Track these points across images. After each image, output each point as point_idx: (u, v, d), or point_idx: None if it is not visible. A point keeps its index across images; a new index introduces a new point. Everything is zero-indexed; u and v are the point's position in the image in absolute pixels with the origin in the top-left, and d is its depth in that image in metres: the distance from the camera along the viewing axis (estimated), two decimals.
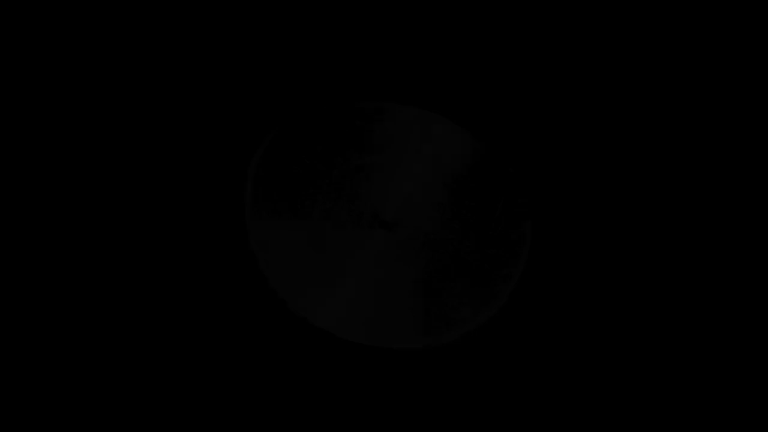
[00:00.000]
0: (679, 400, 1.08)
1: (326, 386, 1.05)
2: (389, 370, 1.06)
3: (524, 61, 1.19)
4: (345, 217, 1.00)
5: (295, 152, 1.09)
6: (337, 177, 1.01)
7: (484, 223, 1.05)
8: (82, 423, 1.00)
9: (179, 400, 1.02)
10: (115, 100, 1.09)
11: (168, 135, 1.10)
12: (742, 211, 1.13)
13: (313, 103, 1.10)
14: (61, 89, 1.08)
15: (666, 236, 1.14)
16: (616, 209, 1.14)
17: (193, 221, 1.06)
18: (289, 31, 1.21)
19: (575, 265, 1.07)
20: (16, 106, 1.08)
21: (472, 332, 1.00)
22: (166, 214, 1.07)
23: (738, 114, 1.14)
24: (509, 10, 1.20)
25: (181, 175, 1.09)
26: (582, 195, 1.16)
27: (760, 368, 1.09)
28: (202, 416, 1.02)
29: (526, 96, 1.17)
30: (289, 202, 1.01)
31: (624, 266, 1.15)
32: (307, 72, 1.19)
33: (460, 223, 1.02)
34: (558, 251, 1.06)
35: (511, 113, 1.18)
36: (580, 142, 1.17)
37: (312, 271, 1.00)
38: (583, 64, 1.19)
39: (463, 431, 1.01)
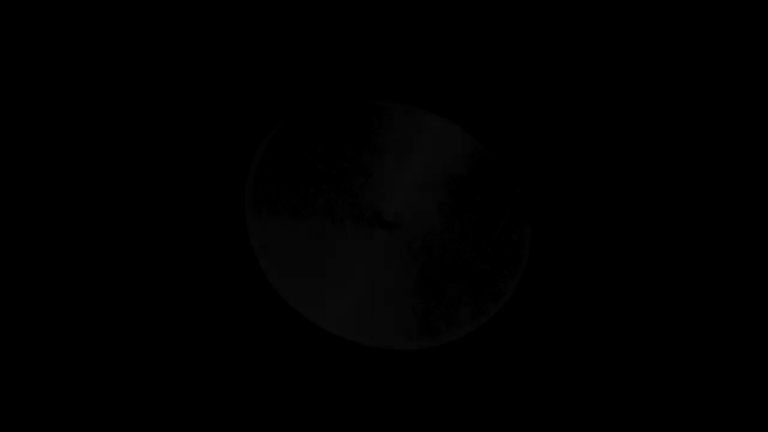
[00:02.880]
0: (677, 399, 1.08)
1: (326, 385, 1.05)
2: (389, 370, 1.06)
3: (525, 63, 1.19)
4: (345, 217, 1.00)
5: (295, 152, 1.09)
6: (337, 177, 1.01)
7: (484, 223, 1.06)
8: (81, 421, 1.00)
9: (180, 398, 1.02)
10: (115, 98, 1.08)
11: (169, 135, 1.10)
12: (741, 212, 1.13)
13: (313, 103, 1.10)
14: (64, 89, 1.08)
15: (664, 236, 1.14)
16: (615, 210, 1.14)
17: (194, 220, 1.06)
18: (289, 32, 1.21)
19: (575, 265, 1.07)
20: (17, 107, 1.07)
21: (472, 332, 1.00)
22: (167, 213, 1.07)
23: (736, 116, 1.14)
24: (510, 11, 1.20)
25: (182, 175, 1.09)
26: (582, 196, 1.16)
27: (758, 368, 1.10)
28: (203, 414, 1.01)
29: (526, 97, 1.17)
30: (289, 202, 1.01)
31: (623, 266, 1.16)
32: (308, 72, 1.19)
33: (461, 223, 1.02)
34: (558, 252, 1.07)
35: (512, 114, 1.18)
36: (580, 144, 1.17)
37: (312, 270, 1.00)
38: (582, 66, 1.19)
39: (463, 431, 1.01)
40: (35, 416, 1.00)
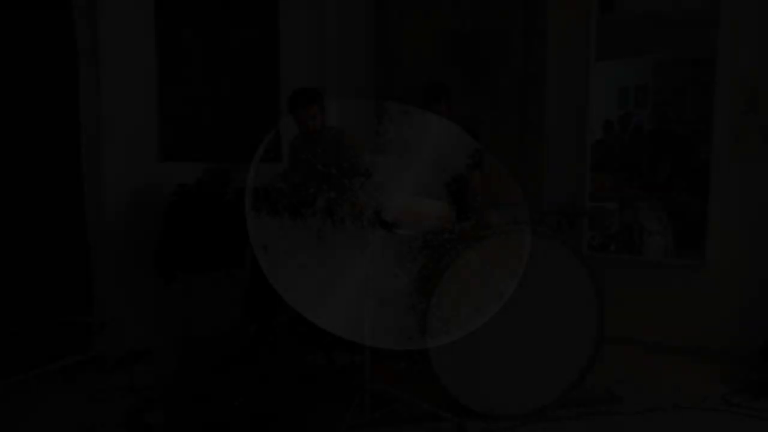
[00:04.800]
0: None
1: (325, 383, 1.05)
2: (390, 371, 1.06)
3: (522, 62, 1.19)
4: (345, 217, 1.00)
5: (295, 153, 1.09)
6: (337, 177, 1.01)
7: (484, 223, 1.06)
8: (82, 424, 1.00)
9: (173, 396, 1.02)
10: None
11: (169, 133, 1.10)
12: None
13: (312, 103, 1.10)
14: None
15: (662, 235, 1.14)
16: (613, 209, 1.15)
17: (193, 219, 1.06)
18: (289, 31, 1.21)
19: (575, 264, 1.07)
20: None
21: (473, 332, 0.99)
22: (167, 212, 1.07)
23: None
24: (509, 12, 1.20)
25: (182, 175, 1.09)
26: (579, 195, 1.17)
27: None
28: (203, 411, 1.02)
29: (524, 96, 1.18)
30: (289, 202, 1.01)
31: (622, 265, 1.16)
32: (307, 71, 1.18)
33: (460, 223, 1.02)
34: (557, 251, 1.06)
35: (509, 113, 1.18)
36: (577, 143, 1.17)
37: (312, 270, 0.99)
38: (580, 65, 1.19)
39: (464, 431, 1.01)
40: None
